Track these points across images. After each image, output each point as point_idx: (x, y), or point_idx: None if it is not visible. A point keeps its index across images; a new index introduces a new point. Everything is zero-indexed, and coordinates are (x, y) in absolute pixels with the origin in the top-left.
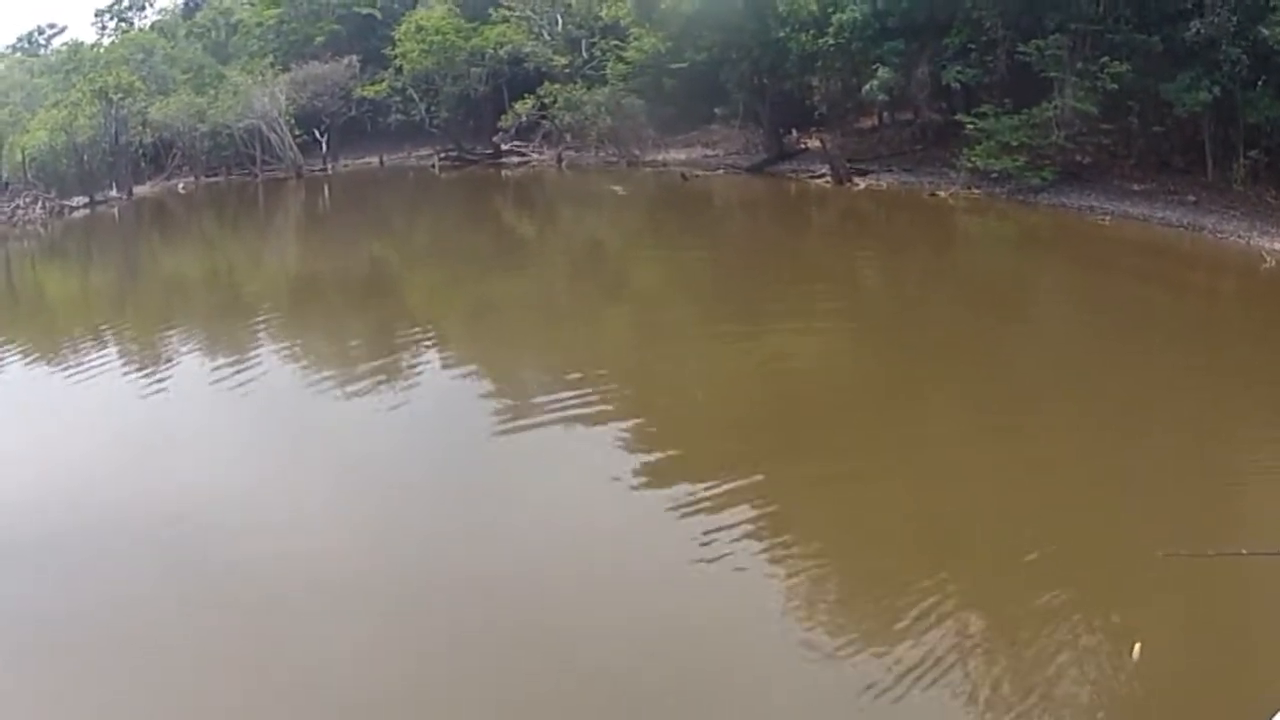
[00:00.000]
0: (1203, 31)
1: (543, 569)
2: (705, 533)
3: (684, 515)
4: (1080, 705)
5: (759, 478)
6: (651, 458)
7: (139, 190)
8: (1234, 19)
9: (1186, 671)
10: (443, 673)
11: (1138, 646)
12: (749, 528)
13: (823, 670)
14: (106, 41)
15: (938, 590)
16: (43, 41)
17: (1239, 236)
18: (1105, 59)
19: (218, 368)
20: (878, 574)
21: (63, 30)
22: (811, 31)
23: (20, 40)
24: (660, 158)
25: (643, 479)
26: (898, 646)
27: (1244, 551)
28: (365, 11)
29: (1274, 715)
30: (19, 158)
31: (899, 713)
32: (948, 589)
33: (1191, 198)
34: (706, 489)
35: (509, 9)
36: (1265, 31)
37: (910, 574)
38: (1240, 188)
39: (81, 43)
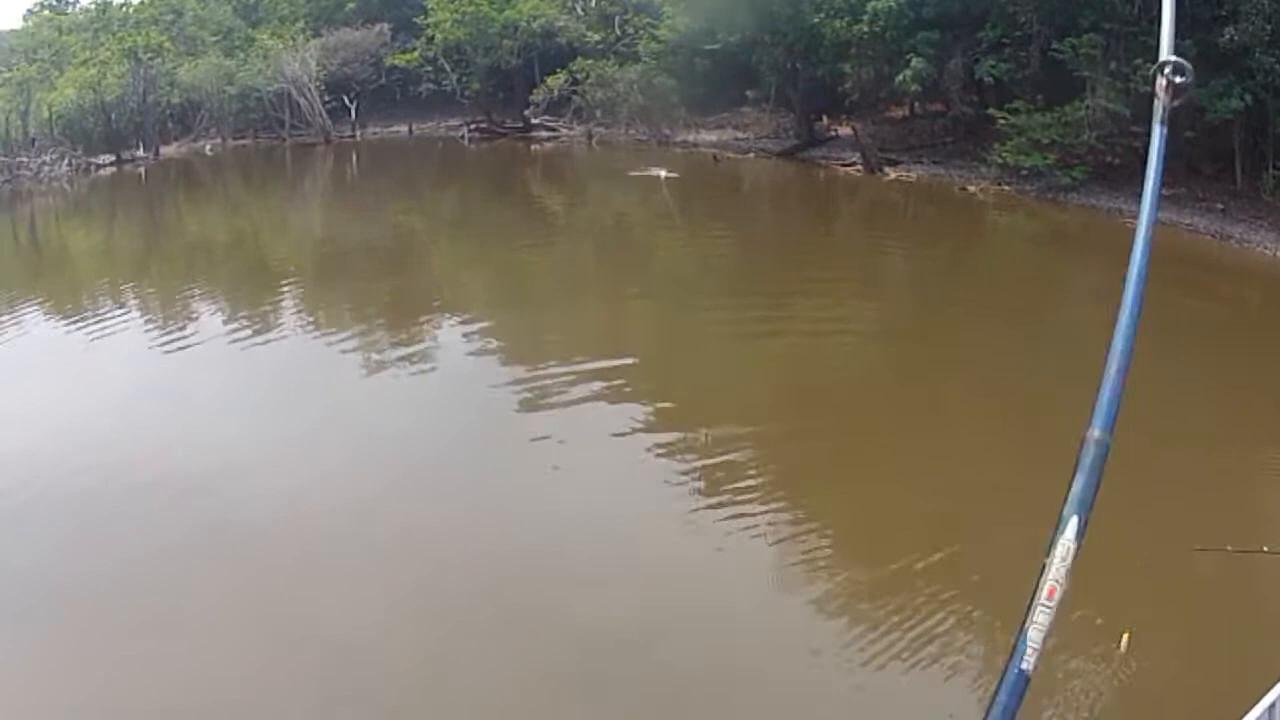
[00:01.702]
0: (1236, 39)
1: (560, 546)
2: (717, 511)
3: (701, 496)
4: (1071, 692)
5: (774, 463)
6: (670, 439)
7: (165, 150)
8: (1268, 27)
9: (1183, 661)
10: (458, 645)
11: (1125, 637)
12: (763, 510)
13: (828, 659)
14: (136, 2)
15: (947, 574)
16: (71, 0)
17: (1265, 247)
18: (1138, 61)
19: (239, 331)
20: (885, 559)
21: None
22: (846, 18)
23: None
24: (690, 138)
25: (660, 459)
26: (896, 630)
27: (1265, 549)
28: None
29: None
30: (46, 114)
31: (895, 696)
32: (958, 574)
33: (1220, 205)
34: (724, 471)
35: None
36: None
37: (920, 559)
38: (1269, 198)
39: (110, 2)
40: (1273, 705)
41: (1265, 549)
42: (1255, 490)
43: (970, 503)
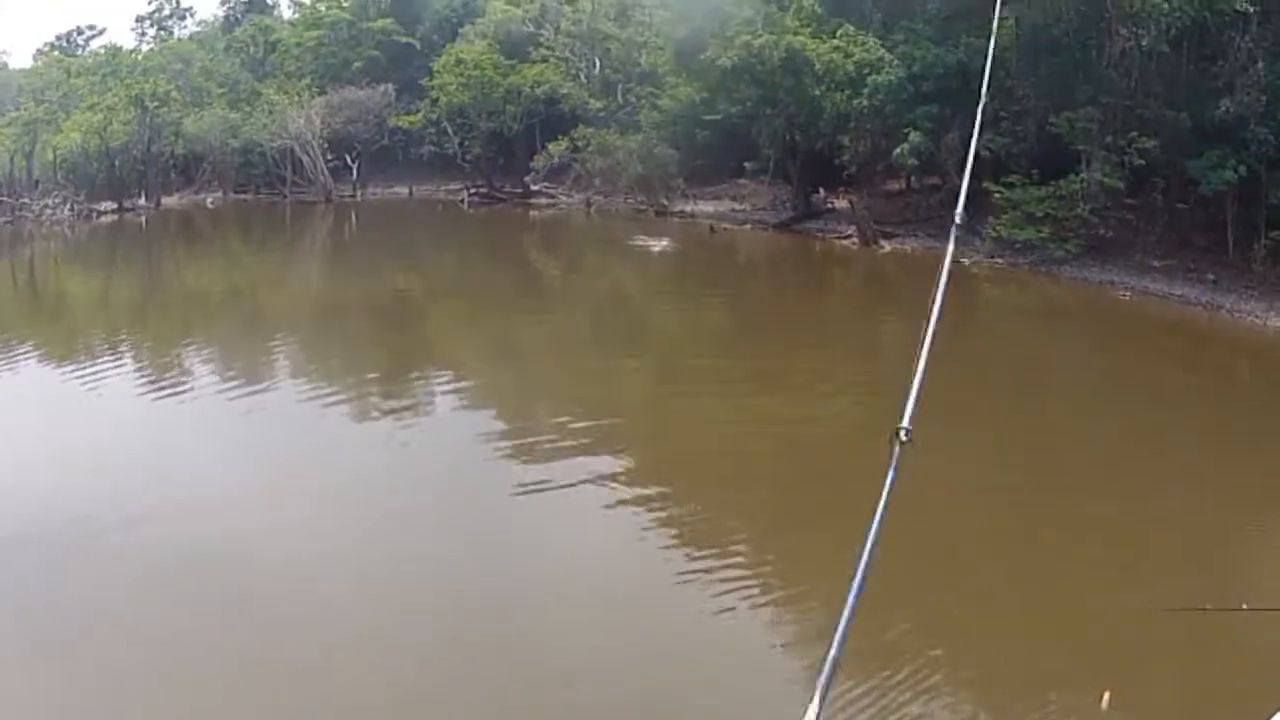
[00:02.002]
0: (1232, 110)
1: (549, 614)
2: (705, 581)
3: (690, 571)
4: None
5: (760, 530)
6: (659, 509)
7: (167, 201)
8: (1263, 99)
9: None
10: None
11: (1107, 695)
12: (750, 581)
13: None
14: (145, 48)
15: (927, 647)
16: (81, 42)
17: (1256, 317)
18: (1134, 134)
19: (230, 384)
20: (869, 632)
21: (102, 32)
22: (847, 92)
23: (59, 39)
24: (688, 209)
25: (648, 527)
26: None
27: (1206, 607)
28: (405, 40)
29: None
30: (50, 157)
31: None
32: (937, 646)
33: (1211, 276)
34: (706, 536)
35: (548, 49)
36: None
37: (904, 626)
38: (1260, 268)
39: (120, 47)
40: None
41: (1244, 607)
42: (1237, 551)
43: (948, 570)
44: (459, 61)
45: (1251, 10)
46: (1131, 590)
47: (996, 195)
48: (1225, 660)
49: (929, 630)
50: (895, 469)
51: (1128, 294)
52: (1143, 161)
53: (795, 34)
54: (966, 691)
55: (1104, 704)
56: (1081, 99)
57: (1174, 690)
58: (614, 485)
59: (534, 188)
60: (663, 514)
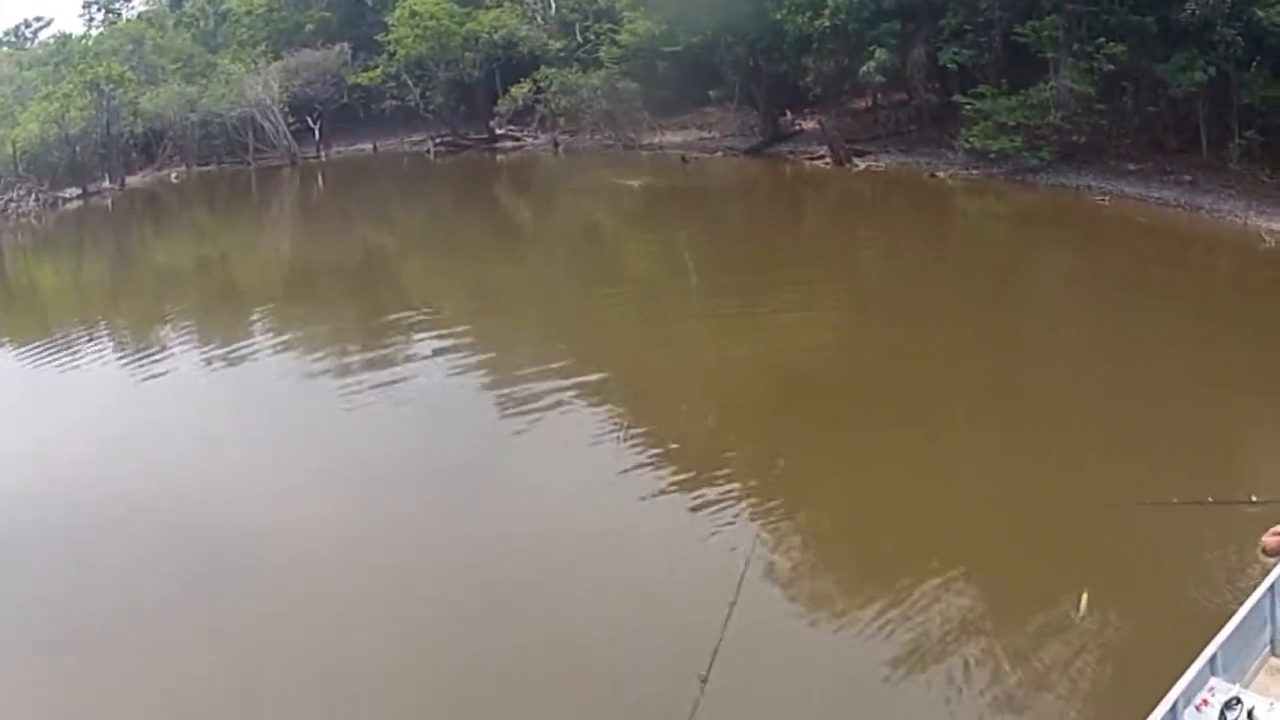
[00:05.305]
0: (1197, 12)
1: (549, 562)
2: (693, 510)
3: (678, 498)
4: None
5: (754, 458)
6: (649, 442)
7: (131, 181)
8: (1228, 0)
9: (1139, 615)
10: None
11: (1084, 597)
12: (739, 505)
13: (817, 647)
14: (94, 33)
15: (912, 550)
16: (29, 35)
17: (1236, 216)
18: (1101, 39)
19: (215, 360)
20: (861, 543)
21: (50, 23)
22: (808, 13)
23: (8, 33)
24: (656, 140)
25: (640, 463)
26: (864, 611)
27: (1174, 500)
28: None
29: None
30: (10, 150)
31: (868, 655)
32: (924, 552)
33: (1187, 177)
34: (700, 469)
35: None
36: (1260, 12)
37: (884, 537)
38: (1236, 167)
39: (70, 35)
40: (1212, 656)
41: (1210, 499)
42: (1208, 444)
43: (963, 498)
44: (414, 14)
45: None
46: (1134, 485)
47: (967, 107)
48: (1193, 552)
49: (918, 535)
50: None
51: (1105, 199)
52: (1112, 66)
53: None
54: (953, 596)
55: (1081, 607)
56: (1046, 7)
57: (1145, 586)
58: (614, 438)
59: (499, 132)
60: (664, 466)
